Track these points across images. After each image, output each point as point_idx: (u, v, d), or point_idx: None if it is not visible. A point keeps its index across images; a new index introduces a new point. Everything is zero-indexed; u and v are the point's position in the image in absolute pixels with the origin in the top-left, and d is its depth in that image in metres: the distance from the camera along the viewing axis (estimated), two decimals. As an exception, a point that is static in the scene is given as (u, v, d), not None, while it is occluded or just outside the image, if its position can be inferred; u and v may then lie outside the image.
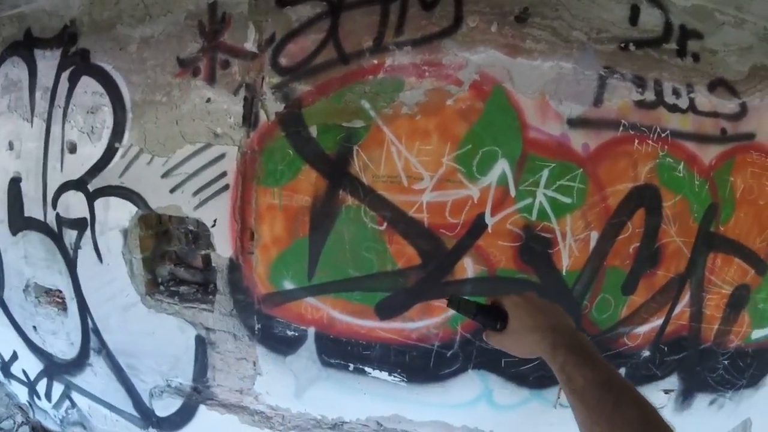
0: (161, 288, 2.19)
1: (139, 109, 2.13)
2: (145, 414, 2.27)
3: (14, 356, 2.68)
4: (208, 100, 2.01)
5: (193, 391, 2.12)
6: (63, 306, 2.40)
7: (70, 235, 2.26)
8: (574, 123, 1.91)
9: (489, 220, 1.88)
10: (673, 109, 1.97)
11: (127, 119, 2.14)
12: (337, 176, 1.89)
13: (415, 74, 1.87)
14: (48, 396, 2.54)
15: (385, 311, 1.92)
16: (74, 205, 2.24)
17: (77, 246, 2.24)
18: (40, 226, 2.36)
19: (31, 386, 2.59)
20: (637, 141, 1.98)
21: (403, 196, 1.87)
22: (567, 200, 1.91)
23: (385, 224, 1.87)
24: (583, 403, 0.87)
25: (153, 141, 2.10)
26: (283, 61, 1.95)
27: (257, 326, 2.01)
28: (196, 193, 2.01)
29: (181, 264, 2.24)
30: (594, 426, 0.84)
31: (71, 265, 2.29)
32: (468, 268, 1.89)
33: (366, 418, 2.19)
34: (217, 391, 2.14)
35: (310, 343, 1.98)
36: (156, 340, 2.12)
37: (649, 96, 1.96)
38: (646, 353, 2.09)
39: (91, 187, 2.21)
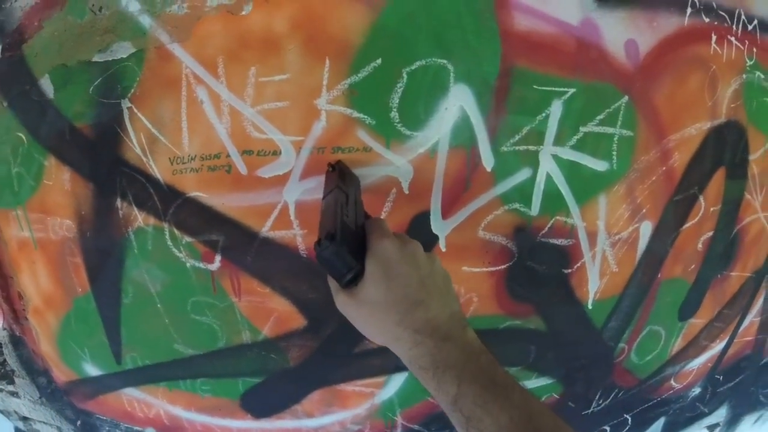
0: None
1: None
2: None
3: None
4: None
5: None
6: None
7: None
8: (607, -1, 0.46)
9: (440, 227, 0.50)
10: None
11: None
12: (105, 171, 0.48)
13: None
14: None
15: (258, 407, 0.59)
16: None
17: None
18: None
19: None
20: (715, 37, 0.51)
21: (241, 195, 0.48)
22: (601, 165, 0.51)
23: (218, 258, 0.50)
24: None
25: None
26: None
27: (78, 421, 0.70)
28: None
29: None
30: None
31: None
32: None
33: None
34: None
35: None
36: None
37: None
38: (696, 391, 0.77)
39: None
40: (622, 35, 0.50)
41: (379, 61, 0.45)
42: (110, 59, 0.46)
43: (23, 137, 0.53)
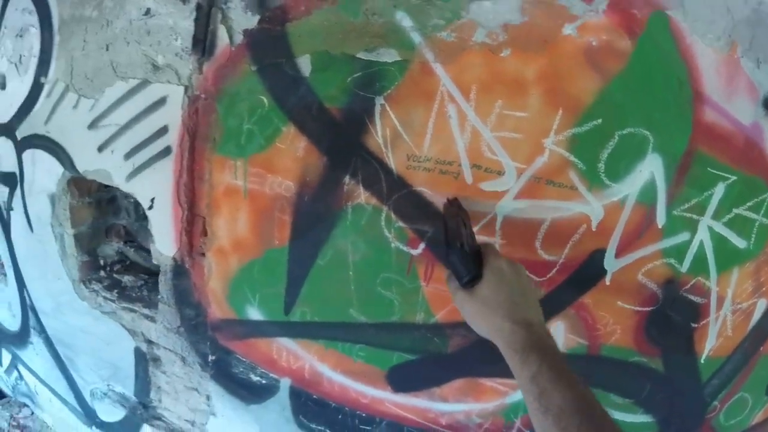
0: (102, 273, 0.91)
1: (66, 29, 0.78)
2: (88, 412, 1.09)
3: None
4: (147, 12, 0.66)
5: (138, 405, 0.94)
6: (4, 272, 1.15)
7: (2, 192, 0.99)
8: (773, 107, 0.55)
9: (611, 264, 0.57)
10: None
11: (54, 44, 0.80)
12: (343, 151, 0.57)
13: (508, -29, 0.50)
14: None
15: (402, 381, 0.65)
16: (4, 155, 0.95)
17: (9, 207, 0.98)
18: (-21, 176, 1.14)
19: (-13, 346, 1.51)
20: None
21: (461, 200, 0.54)
22: (741, 243, 0.59)
23: (422, 246, 0.57)
24: (559, 426, 0.38)
25: (80, 75, 0.77)
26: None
27: (211, 357, 0.76)
28: (128, 155, 0.72)
29: (132, 242, 0.96)
30: None
31: (6, 228, 1.03)
32: (556, 337, 0.59)
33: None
34: (165, 414, 0.92)
35: (282, 398, 0.72)
36: (92, 340, 0.93)
37: None
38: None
39: (18, 135, 0.90)
40: (778, 139, 0.59)
41: (599, 120, 0.54)
42: (374, 60, 0.55)
43: (265, 101, 0.60)
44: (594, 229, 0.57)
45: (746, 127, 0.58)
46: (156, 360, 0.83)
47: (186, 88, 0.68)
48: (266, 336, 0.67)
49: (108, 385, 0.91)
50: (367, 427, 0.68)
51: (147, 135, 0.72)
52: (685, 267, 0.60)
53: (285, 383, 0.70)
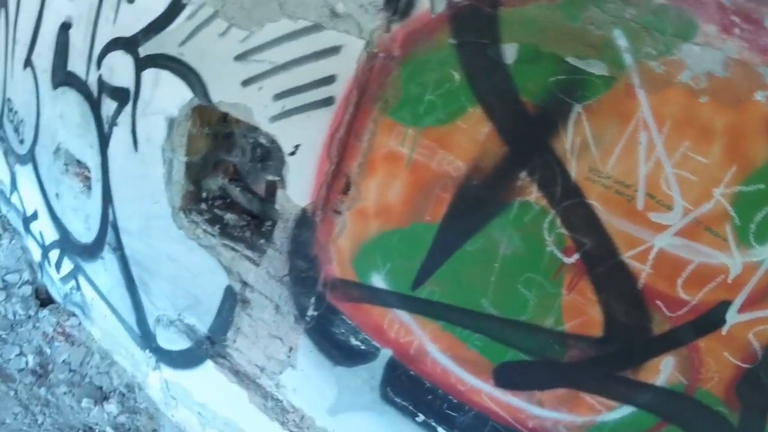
0: (203, 206, 0.90)
1: (232, -51, 0.75)
2: (146, 335, 1.08)
3: (35, 215, 1.45)
4: (340, -44, 0.65)
5: (206, 340, 0.93)
6: (89, 184, 1.12)
7: (108, 106, 0.97)
8: None
9: (732, 316, 0.60)
10: None
11: (213, -38, 0.77)
12: (528, 146, 0.58)
13: (719, 22, 0.51)
14: (57, 267, 1.34)
15: (508, 378, 0.67)
16: (120, 69, 0.94)
17: (113, 122, 0.96)
18: (80, 86, 1.05)
19: (44, 251, 1.40)
20: None
21: (627, 223, 0.58)
22: None
23: (576, 257, 0.60)
24: None
25: (235, 3, 0.75)
26: None
27: (311, 312, 0.76)
28: (280, 96, 0.71)
29: (238, 182, 0.93)
30: None
31: (104, 142, 1.01)
32: (663, 371, 0.62)
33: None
34: (235, 355, 0.92)
35: (376, 368, 0.73)
36: (178, 269, 0.92)
37: None
38: None
39: (142, 51, 0.88)
40: None
41: (763, 185, 0.57)
42: (581, 68, 0.55)
43: (456, 76, 0.60)
44: (729, 281, 0.60)
45: None
46: (246, 302, 0.82)
47: (367, 43, 0.66)
48: (384, 305, 0.68)
49: (179, 315, 0.89)
50: (454, 414, 0.71)
51: (308, 80, 0.71)
52: (788, 334, 0.65)
53: (385, 354, 0.71)
